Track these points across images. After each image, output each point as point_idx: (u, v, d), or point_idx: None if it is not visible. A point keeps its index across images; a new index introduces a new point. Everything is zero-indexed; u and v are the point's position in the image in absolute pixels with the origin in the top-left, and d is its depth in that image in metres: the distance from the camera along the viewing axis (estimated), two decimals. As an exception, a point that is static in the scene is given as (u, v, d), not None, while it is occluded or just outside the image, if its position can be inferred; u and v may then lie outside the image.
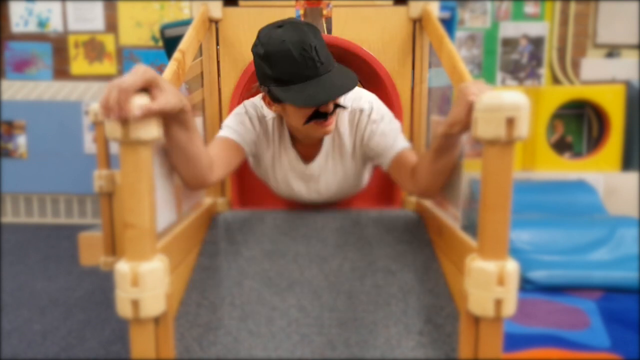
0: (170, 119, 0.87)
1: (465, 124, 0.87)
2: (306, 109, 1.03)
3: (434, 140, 1.03)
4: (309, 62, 0.96)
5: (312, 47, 0.96)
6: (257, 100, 1.21)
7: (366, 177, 1.33)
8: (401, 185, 1.16)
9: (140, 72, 0.78)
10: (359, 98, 1.18)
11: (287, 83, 0.99)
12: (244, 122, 1.16)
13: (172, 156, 0.96)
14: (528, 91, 2.80)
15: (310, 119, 1.04)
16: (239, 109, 1.19)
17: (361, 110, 1.17)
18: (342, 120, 1.18)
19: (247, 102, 1.20)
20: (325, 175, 1.23)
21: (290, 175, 1.24)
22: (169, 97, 0.81)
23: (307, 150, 1.22)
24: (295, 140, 1.21)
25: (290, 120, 1.10)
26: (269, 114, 1.19)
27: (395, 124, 1.18)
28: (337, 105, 1.07)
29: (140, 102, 0.76)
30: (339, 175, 1.24)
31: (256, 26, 1.10)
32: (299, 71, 0.97)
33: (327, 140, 1.20)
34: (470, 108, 0.83)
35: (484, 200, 0.77)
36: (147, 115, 0.76)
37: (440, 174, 1.02)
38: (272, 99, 1.06)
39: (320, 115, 1.04)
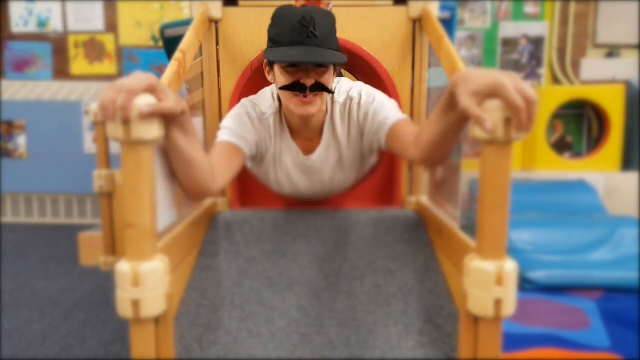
0: (171, 122, 0.87)
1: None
2: (288, 76, 1.05)
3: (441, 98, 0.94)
4: (302, 29, 1.01)
5: (313, 20, 1.02)
6: (255, 97, 1.21)
7: (371, 160, 1.32)
8: (402, 154, 1.11)
9: (142, 77, 0.78)
10: (349, 89, 1.20)
11: (278, 44, 1.04)
12: (244, 123, 1.16)
13: (172, 163, 0.95)
14: (528, 91, 2.80)
15: (289, 87, 1.05)
16: (238, 109, 1.18)
17: (351, 99, 1.18)
18: (335, 112, 1.19)
19: (246, 101, 1.20)
20: (326, 165, 1.23)
21: (292, 170, 1.24)
22: (173, 100, 0.82)
23: (307, 144, 1.22)
24: (295, 135, 1.21)
25: (278, 87, 1.09)
26: (268, 110, 1.19)
27: (389, 102, 1.16)
28: (323, 88, 1.06)
29: (147, 101, 0.76)
30: (338, 165, 1.24)
31: (256, 26, 1.10)
32: (290, 34, 1.02)
33: (326, 132, 1.20)
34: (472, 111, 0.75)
35: (482, 200, 0.77)
36: (155, 114, 0.77)
37: (446, 134, 0.91)
38: (268, 63, 1.11)
39: (298, 86, 1.05)
